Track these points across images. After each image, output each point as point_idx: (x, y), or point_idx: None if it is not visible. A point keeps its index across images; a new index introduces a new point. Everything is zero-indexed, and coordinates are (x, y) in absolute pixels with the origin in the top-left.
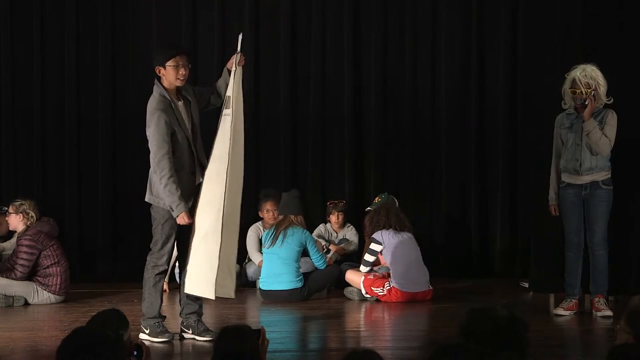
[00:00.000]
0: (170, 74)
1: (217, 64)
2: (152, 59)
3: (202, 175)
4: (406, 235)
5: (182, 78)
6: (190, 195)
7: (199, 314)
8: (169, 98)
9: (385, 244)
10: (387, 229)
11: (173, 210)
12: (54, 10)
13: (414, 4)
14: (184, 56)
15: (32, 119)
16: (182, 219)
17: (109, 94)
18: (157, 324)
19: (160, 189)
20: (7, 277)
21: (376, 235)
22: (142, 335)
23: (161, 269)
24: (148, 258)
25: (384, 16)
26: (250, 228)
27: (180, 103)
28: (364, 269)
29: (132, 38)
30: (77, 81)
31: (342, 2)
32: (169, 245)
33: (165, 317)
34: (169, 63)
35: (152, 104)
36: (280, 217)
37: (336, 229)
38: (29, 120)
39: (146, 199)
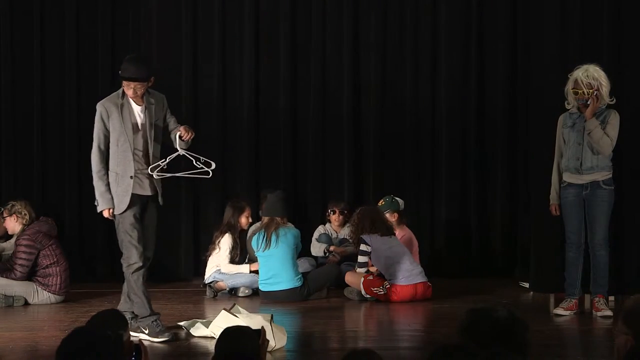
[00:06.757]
0: (124, 87)
1: (217, 64)
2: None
3: (148, 181)
4: (393, 238)
5: (132, 95)
6: (134, 199)
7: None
8: (122, 99)
9: (373, 247)
10: (374, 233)
11: (97, 205)
12: (54, 11)
13: (414, 5)
14: (136, 83)
15: (32, 120)
16: (104, 213)
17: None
18: (154, 322)
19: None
20: (7, 277)
21: (364, 237)
22: (141, 336)
23: (135, 266)
24: (121, 261)
25: (383, 17)
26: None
27: (138, 108)
28: (359, 270)
29: (132, 38)
30: (77, 82)
31: (342, 3)
32: (134, 243)
33: (159, 313)
34: (123, 82)
35: (107, 97)
36: (266, 219)
37: (336, 228)
38: (29, 121)
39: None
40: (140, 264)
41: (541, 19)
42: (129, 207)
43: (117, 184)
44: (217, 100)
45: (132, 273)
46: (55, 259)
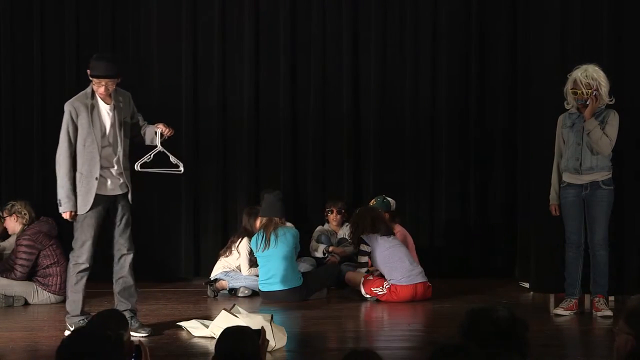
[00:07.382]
0: (95, 85)
1: (217, 64)
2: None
3: (117, 180)
4: (392, 238)
5: (103, 93)
6: (98, 200)
7: (133, 310)
8: (91, 100)
9: (373, 247)
10: (374, 233)
11: (60, 205)
12: (54, 11)
13: (414, 5)
14: (107, 80)
15: (32, 120)
16: (65, 215)
17: None
18: (82, 322)
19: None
20: (7, 277)
21: (364, 237)
22: (66, 333)
23: (82, 267)
24: (70, 256)
25: (383, 17)
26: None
27: (107, 107)
28: (359, 270)
29: (132, 38)
30: (77, 82)
31: (341, 3)
32: (88, 244)
33: (89, 313)
34: (93, 80)
35: (75, 96)
36: (265, 219)
37: (334, 228)
38: (29, 121)
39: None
40: (88, 265)
41: (541, 19)
42: (92, 208)
43: (81, 184)
44: (217, 100)
45: (78, 272)
46: (55, 259)
